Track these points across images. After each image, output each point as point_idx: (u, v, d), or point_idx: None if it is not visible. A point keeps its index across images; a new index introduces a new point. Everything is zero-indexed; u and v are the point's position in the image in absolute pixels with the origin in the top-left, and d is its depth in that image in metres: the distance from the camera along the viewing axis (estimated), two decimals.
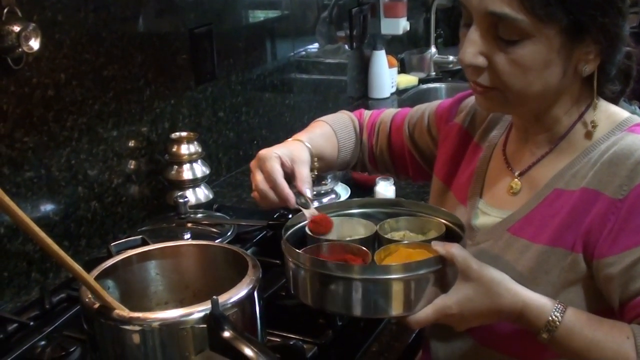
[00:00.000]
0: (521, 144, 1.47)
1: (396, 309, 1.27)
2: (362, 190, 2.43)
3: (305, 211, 1.47)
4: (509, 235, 1.39)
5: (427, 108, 1.76)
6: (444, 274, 1.28)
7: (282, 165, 1.49)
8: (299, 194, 1.48)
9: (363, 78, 3.78)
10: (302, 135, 1.65)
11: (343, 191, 2.44)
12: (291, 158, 1.51)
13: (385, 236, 1.43)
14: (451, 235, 1.41)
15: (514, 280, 1.28)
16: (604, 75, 1.35)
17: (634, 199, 1.25)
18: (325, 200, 2.36)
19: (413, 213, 1.51)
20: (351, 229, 1.50)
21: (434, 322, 1.28)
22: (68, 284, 1.84)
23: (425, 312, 1.26)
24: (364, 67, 3.77)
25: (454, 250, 1.26)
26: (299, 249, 1.36)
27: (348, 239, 1.46)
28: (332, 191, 2.41)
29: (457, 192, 1.56)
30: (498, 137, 1.55)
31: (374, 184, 2.34)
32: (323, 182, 2.35)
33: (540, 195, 1.38)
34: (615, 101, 1.42)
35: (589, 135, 1.36)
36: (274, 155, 1.48)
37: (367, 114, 1.87)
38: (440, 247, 1.27)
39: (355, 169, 1.88)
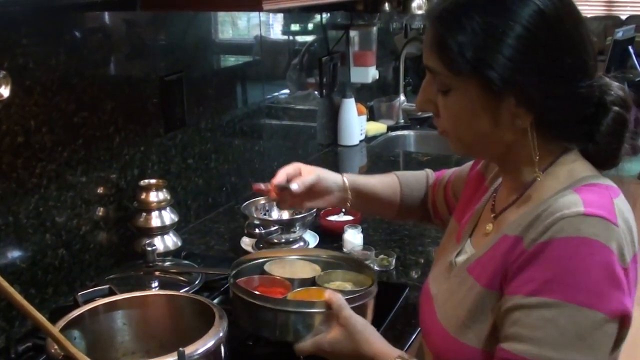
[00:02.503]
0: (504, 188, 1.52)
1: (286, 335, 1.58)
2: (330, 237, 2.44)
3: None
4: (466, 273, 1.43)
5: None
6: (330, 317, 1.55)
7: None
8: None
9: (333, 125, 3.81)
10: (351, 174, 1.93)
11: (311, 238, 2.45)
12: (310, 171, 1.82)
13: (317, 281, 1.76)
14: None
15: (458, 318, 1.39)
16: (552, 130, 1.36)
17: (534, 251, 1.26)
18: (295, 246, 2.37)
19: (359, 270, 1.83)
20: (301, 270, 1.83)
21: (312, 353, 1.55)
22: (34, 333, 1.82)
23: (305, 343, 1.56)
24: (333, 115, 3.80)
25: (332, 296, 1.56)
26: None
27: (287, 276, 1.78)
28: (301, 239, 2.42)
29: (459, 231, 1.63)
30: (500, 181, 1.59)
31: (342, 231, 2.36)
32: (292, 230, 2.36)
33: (494, 239, 1.40)
34: (606, 163, 1.43)
35: (548, 189, 1.37)
36: (296, 165, 1.82)
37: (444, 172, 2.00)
38: (327, 293, 1.58)
39: (429, 220, 2.02)
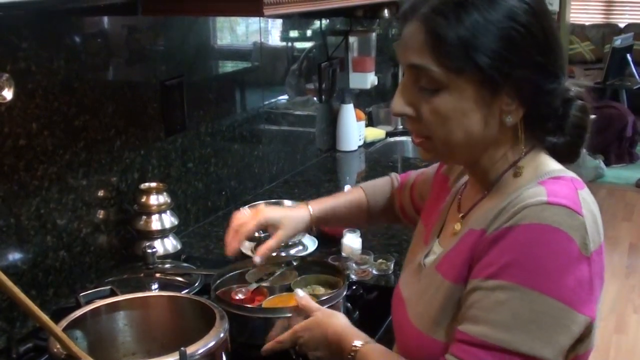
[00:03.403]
0: (470, 188, 1.54)
1: (264, 338, 1.71)
2: (329, 242, 2.45)
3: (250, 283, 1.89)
4: (434, 271, 1.45)
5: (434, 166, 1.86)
6: (301, 312, 1.70)
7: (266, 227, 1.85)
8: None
9: (331, 130, 3.83)
10: (317, 201, 1.95)
11: (310, 242, 2.46)
12: (276, 226, 1.83)
13: (292, 287, 1.86)
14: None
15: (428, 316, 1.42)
16: (534, 125, 1.40)
17: (495, 236, 1.29)
18: (292, 251, 2.38)
19: (332, 273, 1.97)
20: (279, 277, 1.94)
21: (291, 341, 1.63)
22: (35, 334, 1.83)
23: (283, 335, 1.64)
24: (332, 120, 3.81)
25: (301, 300, 1.68)
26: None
27: (264, 284, 1.90)
28: (300, 243, 2.43)
29: (425, 234, 1.65)
30: (464, 181, 1.61)
31: (341, 236, 2.36)
32: None
33: (459, 235, 1.43)
34: (571, 156, 1.46)
35: (515, 184, 1.38)
36: (261, 219, 1.83)
37: (409, 174, 2.02)
38: (298, 292, 1.72)
39: (399, 221, 2.06)
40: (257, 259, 1.81)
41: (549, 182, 1.33)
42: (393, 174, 2.07)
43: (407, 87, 1.39)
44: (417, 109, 1.38)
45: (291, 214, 1.89)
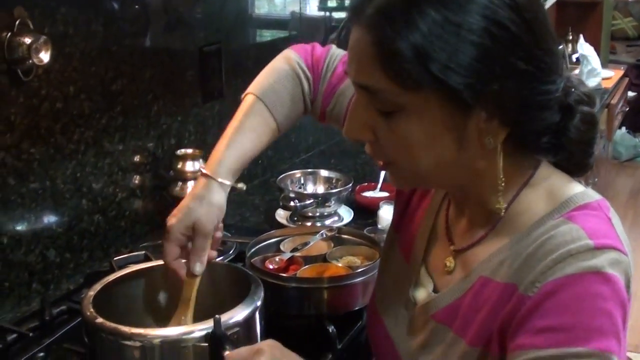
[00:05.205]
0: (462, 215, 1.29)
1: (297, 308, 1.73)
2: (366, 213, 2.43)
3: None
4: (434, 323, 1.26)
5: None
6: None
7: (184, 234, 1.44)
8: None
9: None
10: (221, 164, 1.58)
11: (346, 213, 2.44)
12: (195, 228, 1.43)
13: (328, 257, 1.84)
14: None
15: None
16: (526, 144, 1.15)
17: (539, 298, 1.06)
18: (328, 222, 2.37)
19: (367, 244, 1.91)
20: (314, 247, 1.90)
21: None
22: (68, 296, 1.84)
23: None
24: None
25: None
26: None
27: (298, 254, 1.85)
28: (335, 213, 2.42)
29: (404, 246, 1.42)
30: (444, 194, 1.37)
31: (377, 208, 2.34)
32: (327, 204, 2.36)
33: (467, 282, 1.22)
34: (579, 171, 1.22)
35: (526, 218, 1.17)
36: (175, 237, 1.43)
37: (322, 61, 1.68)
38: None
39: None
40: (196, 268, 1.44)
41: (579, 217, 1.11)
42: (289, 60, 1.67)
43: (361, 107, 1.15)
44: (375, 132, 1.15)
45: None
